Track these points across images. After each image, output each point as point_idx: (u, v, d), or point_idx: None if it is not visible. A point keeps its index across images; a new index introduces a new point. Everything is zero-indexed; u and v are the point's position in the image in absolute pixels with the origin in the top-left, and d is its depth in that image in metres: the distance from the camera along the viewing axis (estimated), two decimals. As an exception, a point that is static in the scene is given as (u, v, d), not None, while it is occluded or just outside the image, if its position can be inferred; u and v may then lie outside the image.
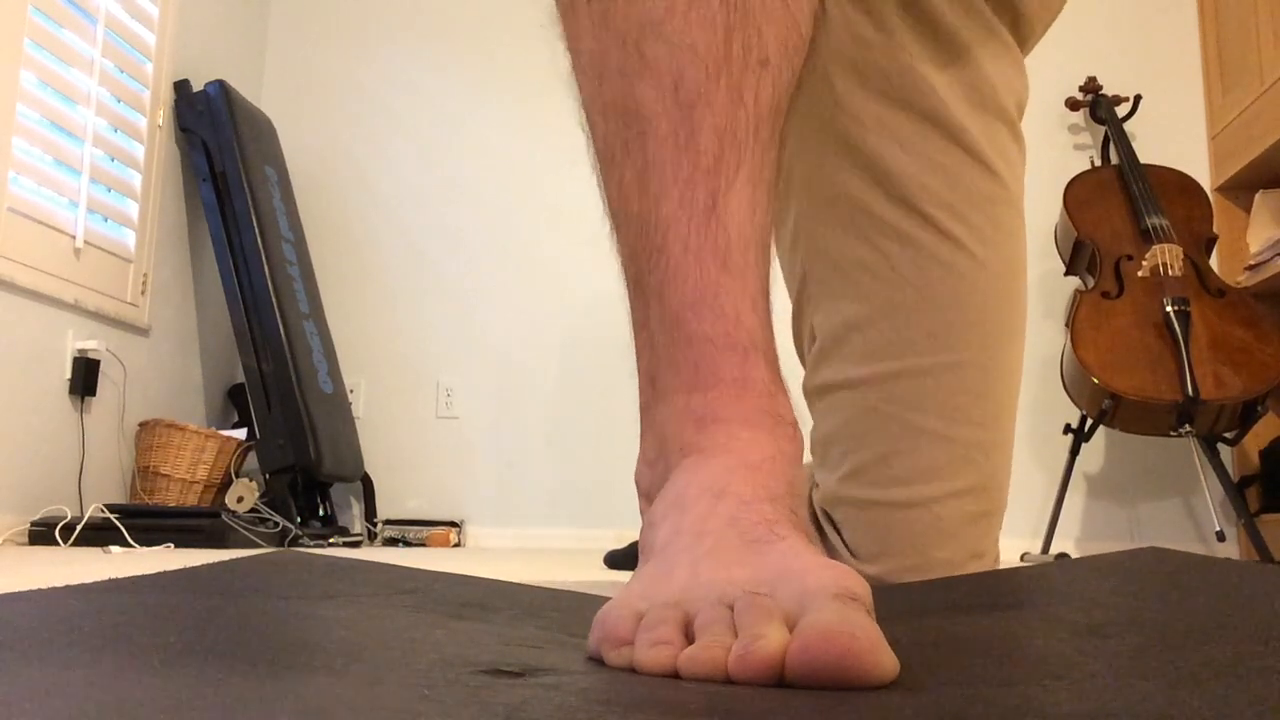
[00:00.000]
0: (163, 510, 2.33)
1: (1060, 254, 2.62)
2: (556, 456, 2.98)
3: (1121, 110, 2.84)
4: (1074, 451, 2.48)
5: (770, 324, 0.52)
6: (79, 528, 2.07)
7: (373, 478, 2.95)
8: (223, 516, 2.22)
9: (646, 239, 0.51)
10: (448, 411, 3.05)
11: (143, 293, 2.62)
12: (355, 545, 2.74)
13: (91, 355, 2.37)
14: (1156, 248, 2.36)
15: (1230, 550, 2.60)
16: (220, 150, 2.72)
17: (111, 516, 2.11)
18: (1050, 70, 2.76)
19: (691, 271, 0.49)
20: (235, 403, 2.98)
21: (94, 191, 2.43)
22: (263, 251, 2.66)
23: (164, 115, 2.72)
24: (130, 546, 2.00)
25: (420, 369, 3.07)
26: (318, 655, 0.37)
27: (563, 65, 0.56)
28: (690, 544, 0.43)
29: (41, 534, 2.11)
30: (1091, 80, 2.89)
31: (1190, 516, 2.72)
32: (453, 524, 2.91)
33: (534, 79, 2.89)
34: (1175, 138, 2.87)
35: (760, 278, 0.51)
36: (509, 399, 3.02)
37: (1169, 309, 2.23)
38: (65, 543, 2.05)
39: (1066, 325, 2.34)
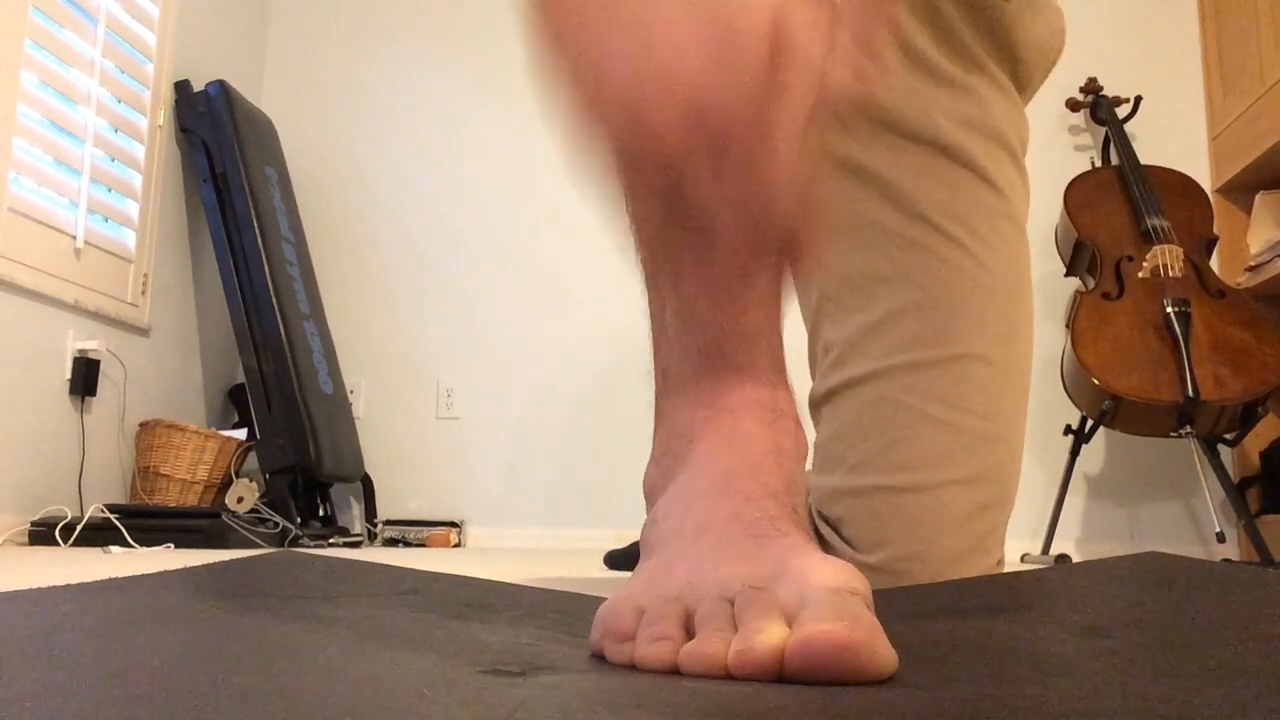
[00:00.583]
0: (163, 510, 2.33)
1: (1060, 255, 2.62)
2: (556, 456, 2.98)
3: (1122, 111, 2.84)
4: (1074, 452, 2.48)
5: (778, 323, 0.53)
6: (79, 528, 2.07)
7: (373, 478, 2.95)
8: (223, 517, 2.22)
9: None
10: (448, 412, 3.05)
11: (143, 293, 2.62)
12: (355, 546, 2.74)
13: (92, 355, 2.37)
14: (1157, 249, 2.36)
15: (1230, 551, 2.60)
16: (221, 150, 2.72)
17: (111, 516, 2.11)
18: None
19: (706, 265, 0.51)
20: (235, 403, 2.98)
21: (94, 192, 2.43)
22: (263, 252, 2.66)
23: (164, 115, 2.72)
24: (130, 546, 2.00)
25: (420, 369, 3.07)
26: (318, 655, 0.37)
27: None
28: (692, 540, 0.44)
29: (41, 534, 2.10)
30: (1092, 81, 2.89)
31: (1190, 517, 2.72)
32: (453, 524, 2.91)
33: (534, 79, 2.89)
34: (1176, 139, 2.87)
35: (772, 278, 0.53)
36: (509, 399, 3.02)
37: (1169, 310, 2.23)
38: (65, 543, 2.05)
39: (1067, 326, 2.34)
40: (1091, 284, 2.44)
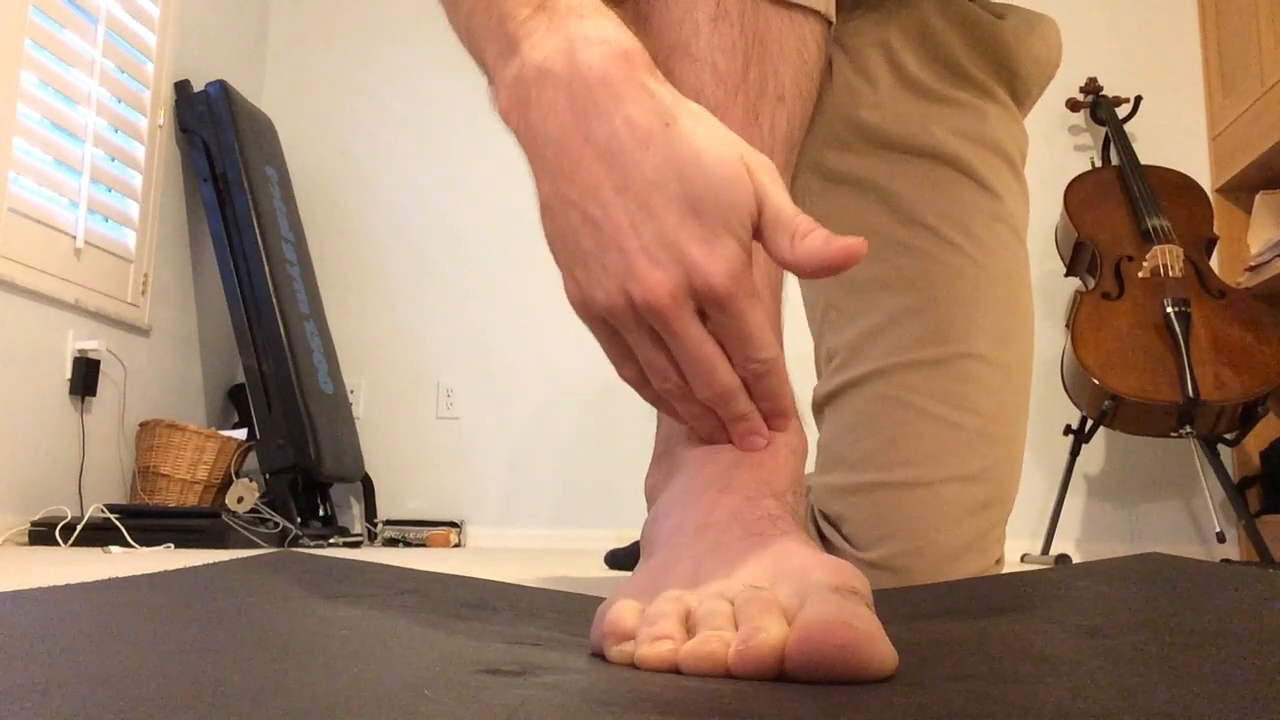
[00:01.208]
0: (163, 510, 2.33)
1: (1060, 255, 2.62)
2: (556, 456, 2.98)
3: (1122, 111, 2.84)
4: (1074, 452, 2.48)
5: (779, 323, 0.54)
6: (79, 528, 2.07)
7: (373, 478, 2.95)
8: (223, 517, 2.22)
9: None
10: (448, 412, 3.05)
11: (143, 293, 2.62)
12: (355, 546, 2.74)
13: (92, 355, 2.37)
14: (1157, 248, 2.36)
15: (1230, 551, 2.60)
16: (221, 150, 2.72)
17: (111, 516, 2.11)
18: (1051, 71, 2.75)
19: None
20: (235, 403, 2.98)
21: (94, 192, 2.43)
22: (263, 251, 2.66)
23: (164, 115, 2.72)
24: (130, 546, 2.00)
25: (420, 369, 3.07)
26: (318, 655, 0.37)
27: None
28: (692, 538, 0.44)
29: (41, 534, 2.10)
30: (1092, 81, 2.89)
31: (1190, 517, 2.72)
32: (453, 524, 2.91)
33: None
34: (1176, 139, 2.87)
35: (772, 283, 0.54)
36: (509, 399, 3.02)
37: (1169, 310, 2.23)
38: (65, 543, 2.05)
39: (1067, 326, 2.34)
40: (1091, 284, 2.44)
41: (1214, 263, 2.56)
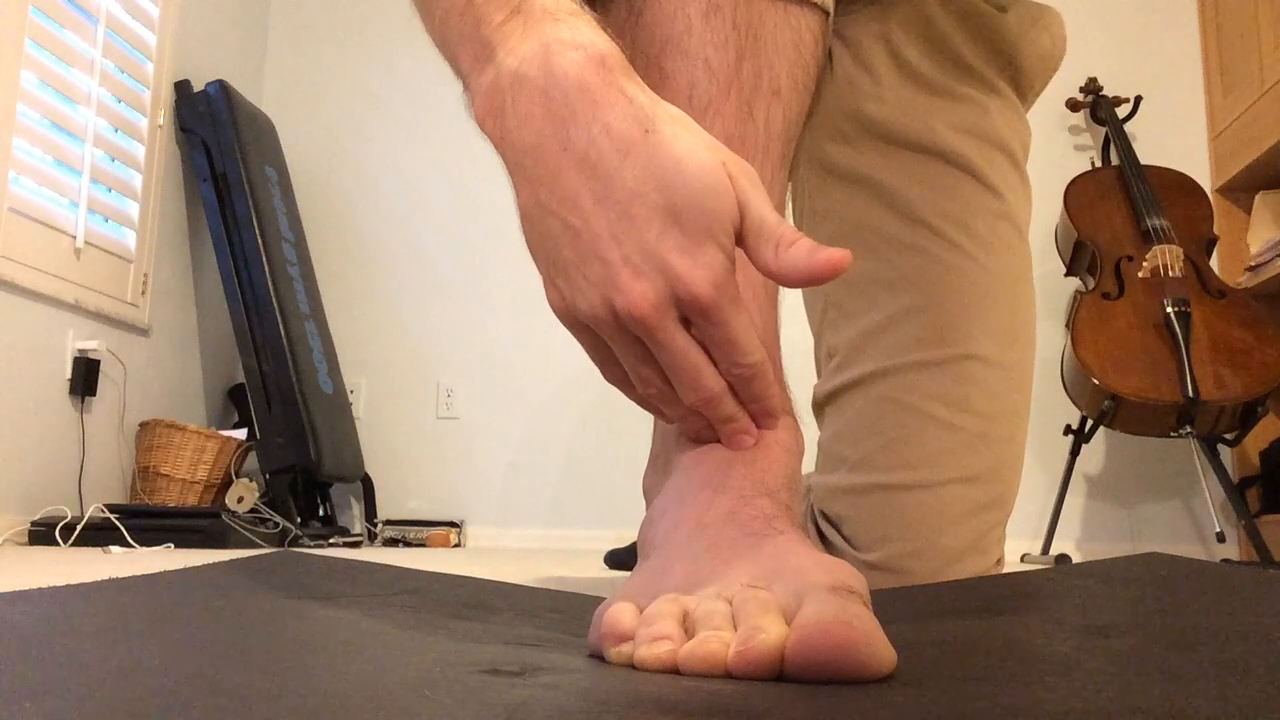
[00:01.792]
0: (163, 510, 2.33)
1: (1060, 255, 2.62)
2: (556, 456, 2.98)
3: (1122, 111, 2.84)
4: (1074, 452, 2.48)
5: (776, 324, 0.54)
6: (79, 528, 2.07)
7: (373, 478, 2.95)
8: (223, 516, 2.22)
9: None
10: (448, 411, 3.05)
11: (143, 293, 2.62)
12: (355, 545, 2.74)
13: (92, 355, 2.37)
14: (1157, 249, 2.36)
15: (1230, 551, 2.60)
16: (221, 150, 2.72)
17: (111, 516, 2.11)
18: (1051, 71, 2.75)
19: None
20: (235, 403, 2.98)
21: (94, 191, 2.43)
22: (263, 251, 2.66)
23: (164, 115, 2.72)
24: (130, 546, 2.00)
25: (420, 369, 3.07)
26: (318, 655, 0.37)
27: None
28: (689, 539, 0.44)
29: (41, 534, 2.10)
30: (1092, 81, 2.89)
31: (1190, 517, 2.72)
32: (453, 524, 2.91)
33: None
34: (1175, 139, 2.87)
35: (768, 283, 0.53)
36: (509, 399, 3.02)
37: (1169, 310, 2.23)
38: (65, 543, 2.05)
39: (1067, 326, 2.34)
40: (1091, 284, 2.44)
41: (1214, 263, 2.56)
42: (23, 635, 0.37)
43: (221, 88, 2.76)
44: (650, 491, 0.55)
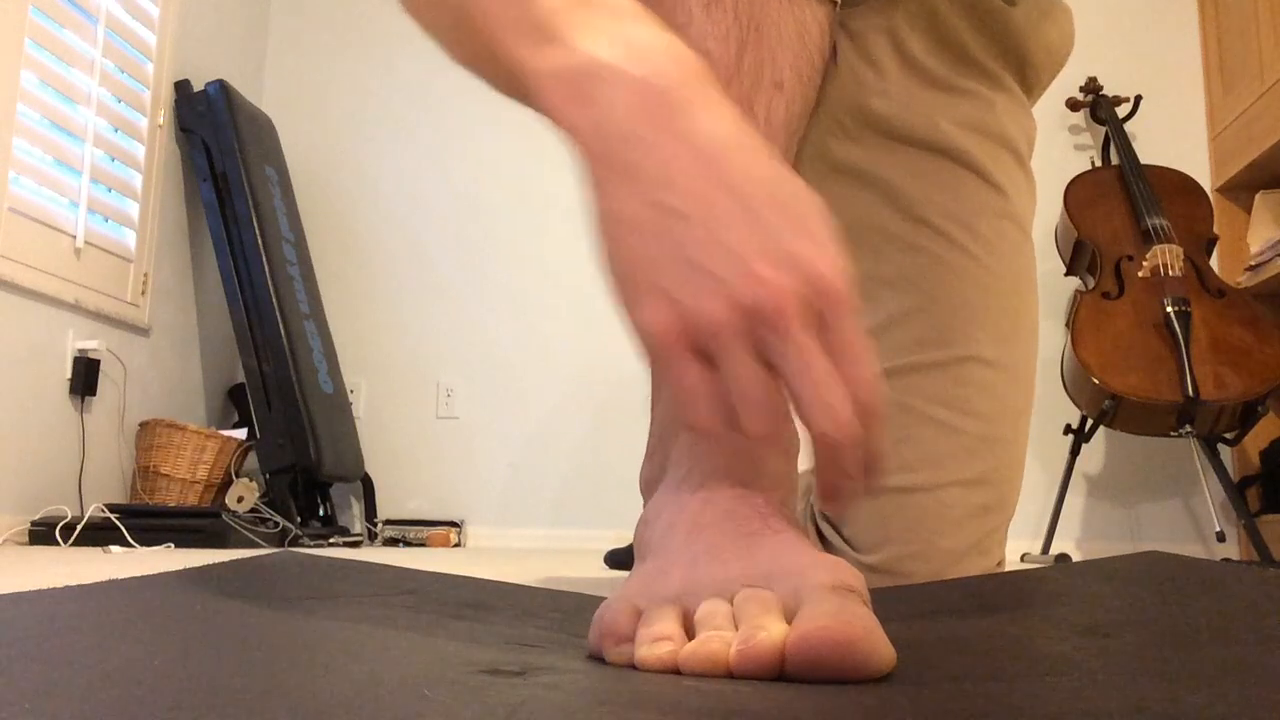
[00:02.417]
0: (163, 510, 2.33)
1: (1060, 254, 2.62)
2: (557, 456, 2.98)
3: (1122, 111, 2.84)
4: (1074, 452, 2.48)
5: None
6: (79, 528, 2.07)
7: (373, 478, 2.95)
8: (223, 516, 2.22)
9: None
10: (448, 411, 3.05)
11: (143, 293, 2.62)
12: (355, 545, 2.74)
13: (92, 355, 2.37)
14: (1157, 248, 2.36)
15: (1230, 551, 2.60)
16: (221, 150, 2.72)
17: (112, 516, 2.11)
18: (1050, 71, 2.75)
19: None
20: (235, 403, 2.98)
21: (94, 191, 2.43)
22: (263, 251, 2.66)
23: (164, 115, 2.72)
24: (130, 546, 2.00)
25: (420, 369, 3.07)
26: (318, 655, 0.37)
27: None
28: (686, 539, 0.44)
29: (41, 534, 2.10)
30: (1092, 80, 2.89)
31: (1190, 517, 2.72)
32: (453, 524, 2.91)
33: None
34: (1175, 138, 2.87)
35: None
36: (509, 399, 3.02)
37: (1169, 309, 2.23)
38: (65, 543, 2.05)
39: (1067, 325, 2.34)
40: (1091, 283, 2.44)
41: (1214, 262, 2.56)
42: (23, 635, 0.37)
43: (221, 88, 2.76)
44: (648, 486, 0.55)
